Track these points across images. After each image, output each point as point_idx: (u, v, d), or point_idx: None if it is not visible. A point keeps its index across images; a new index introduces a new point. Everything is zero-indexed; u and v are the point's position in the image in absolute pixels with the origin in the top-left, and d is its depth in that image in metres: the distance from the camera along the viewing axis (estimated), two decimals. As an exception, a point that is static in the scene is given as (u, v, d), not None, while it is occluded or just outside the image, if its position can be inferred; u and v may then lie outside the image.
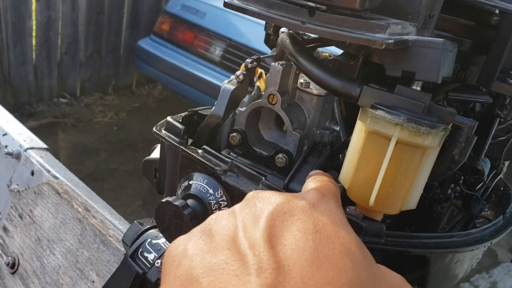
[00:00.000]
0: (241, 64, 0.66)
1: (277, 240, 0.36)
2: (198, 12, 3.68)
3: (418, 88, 0.48)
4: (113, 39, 4.50)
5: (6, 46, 3.79)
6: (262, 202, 0.41)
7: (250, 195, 0.44)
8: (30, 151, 1.05)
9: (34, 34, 3.95)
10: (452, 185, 0.73)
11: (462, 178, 0.73)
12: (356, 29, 0.45)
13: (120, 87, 4.74)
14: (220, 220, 0.40)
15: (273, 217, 0.39)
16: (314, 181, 0.49)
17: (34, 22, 3.90)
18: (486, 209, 0.84)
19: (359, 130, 0.49)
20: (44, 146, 1.10)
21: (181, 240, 0.40)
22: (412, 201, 0.50)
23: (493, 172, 0.77)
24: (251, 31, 3.36)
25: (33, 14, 3.88)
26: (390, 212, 0.49)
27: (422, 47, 0.46)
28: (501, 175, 0.81)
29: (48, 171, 1.00)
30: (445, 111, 0.47)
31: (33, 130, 1.27)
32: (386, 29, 0.45)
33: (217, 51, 3.54)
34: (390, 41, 0.44)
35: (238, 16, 3.42)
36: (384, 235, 0.49)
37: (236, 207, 0.43)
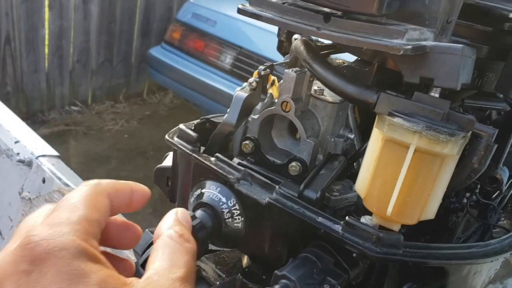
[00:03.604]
0: (251, 72, 0.66)
1: None
2: (209, 21, 3.69)
3: (437, 95, 0.46)
4: (125, 47, 4.53)
5: (19, 55, 3.82)
6: None
7: None
8: (41, 158, 1.05)
9: (46, 42, 3.98)
10: (468, 194, 0.71)
11: (479, 187, 0.71)
12: (373, 35, 0.44)
13: (131, 95, 4.76)
14: None
15: None
16: None
17: (46, 31, 3.94)
18: (503, 219, 0.82)
19: (376, 138, 0.48)
20: (56, 153, 1.09)
21: None
22: (430, 211, 0.48)
23: (510, 181, 0.76)
24: (261, 39, 3.35)
25: (46, 23, 3.91)
26: (408, 223, 0.48)
27: (441, 53, 0.44)
28: (518, 184, 0.79)
29: (59, 179, 1.00)
30: (464, 119, 0.46)
31: (45, 137, 1.28)
32: (404, 34, 0.44)
33: (227, 59, 3.54)
34: (408, 46, 0.43)
35: (249, 24, 3.42)
36: (402, 246, 0.48)
37: None
